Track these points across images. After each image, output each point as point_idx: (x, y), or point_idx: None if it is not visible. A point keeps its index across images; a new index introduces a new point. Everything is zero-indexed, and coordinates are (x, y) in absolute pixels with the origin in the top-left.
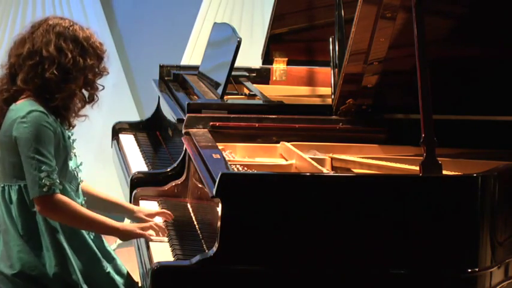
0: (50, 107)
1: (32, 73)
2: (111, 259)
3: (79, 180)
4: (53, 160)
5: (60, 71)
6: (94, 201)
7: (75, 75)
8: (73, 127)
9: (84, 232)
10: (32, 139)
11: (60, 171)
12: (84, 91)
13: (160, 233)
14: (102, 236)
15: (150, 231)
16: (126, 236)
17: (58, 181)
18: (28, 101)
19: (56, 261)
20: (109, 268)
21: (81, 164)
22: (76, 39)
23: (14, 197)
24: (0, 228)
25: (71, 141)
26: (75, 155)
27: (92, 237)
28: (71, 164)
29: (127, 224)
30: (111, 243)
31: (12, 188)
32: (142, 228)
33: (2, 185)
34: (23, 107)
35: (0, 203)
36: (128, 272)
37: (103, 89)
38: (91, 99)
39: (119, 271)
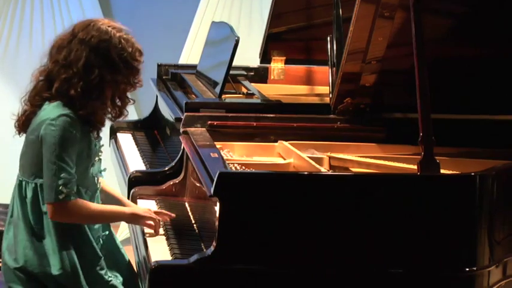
0: (81, 115)
1: (66, 86)
2: (118, 253)
3: (98, 185)
4: (73, 167)
5: (84, 88)
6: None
7: (99, 92)
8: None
9: (92, 239)
10: (57, 143)
11: (80, 177)
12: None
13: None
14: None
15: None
16: (133, 219)
17: (74, 190)
18: (61, 104)
19: (60, 265)
20: (113, 277)
21: (104, 169)
22: (107, 55)
23: (29, 194)
24: (13, 219)
25: (97, 148)
26: (99, 159)
27: (101, 241)
28: (92, 170)
29: (137, 208)
30: None
31: (28, 184)
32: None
33: (20, 179)
34: (54, 110)
35: (16, 196)
36: (132, 266)
37: (133, 103)
38: (120, 113)
39: (123, 265)
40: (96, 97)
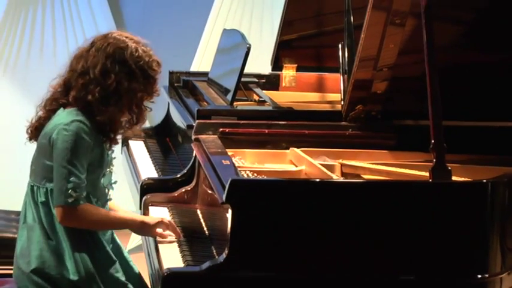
0: (95, 123)
1: (83, 92)
2: (127, 266)
3: (108, 197)
4: (84, 173)
5: (102, 93)
6: None
7: (117, 99)
8: (115, 144)
9: (105, 242)
10: (68, 148)
11: (90, 186)
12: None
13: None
14: (119, 241)
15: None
16: (143, 228)
17: (84, 194)
18: (75, 110)
19: (76, 269)
20: (130, 275)
21: (115, 182)
22: (124, 61)
23: (41, 199)
24: (27, 224)
25: (109, 158)
26: (110, 172)
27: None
28: (103, 181)
29: (148, 217)
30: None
31: (40, 189)
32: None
33: (32, 184)
34: (68, 115)
35: (29, 201)
36: (139, 273)
37: (150, 110)
38: (137, 121)
39: (133, 277)
40: (113, 103)
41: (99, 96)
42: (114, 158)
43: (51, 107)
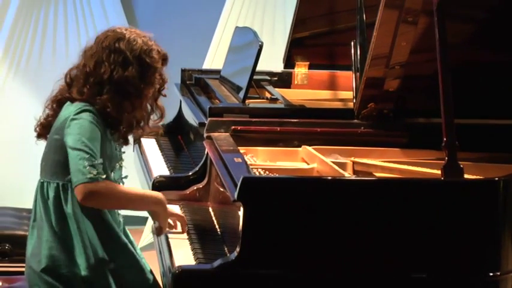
0: (103, 116)
1: (81, 85)
2: (139, 261)
3: None
4: (99, 156)
5: (95, 83)
6: None
7: (110, 87)
8: (125, 143)
9: (120, 233)
10: (81, 133)
11: None
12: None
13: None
14: (132, 237)
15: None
16: (158, 209)
17: (102, 172)
18: (83, 103)
19: (86, 265)
20: (143, 270)
21: (125, 176)
22: (119, 50)
23: (51, 195)
24: (37, 223)
25: (118, 152)
26: (120, 166)
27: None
28: (113, 176)
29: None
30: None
31: (50, 185)
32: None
33: (42, 181)
34: (76, 106)
35: (38, 198)
36: (150, 270)
37: (158, 118)
38: (143, 117)
39: (145, 273)
40: (107, 92)
41: (93, 86)
42: (124, 152)
43: (57, 103)
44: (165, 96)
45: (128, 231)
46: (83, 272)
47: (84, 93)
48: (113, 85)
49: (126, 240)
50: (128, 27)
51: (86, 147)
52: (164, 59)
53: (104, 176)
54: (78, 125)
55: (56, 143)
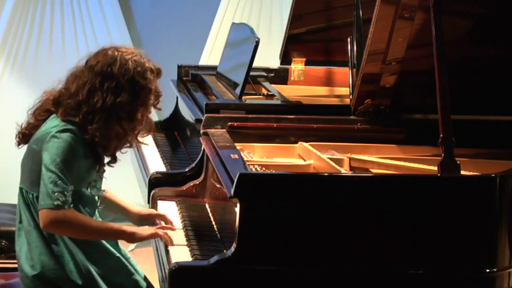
0: (91, 144)
1: (72, 113)
2: (129, 264)
3: (97, 204)
4: (71, 182)
5: (88, 113)
6: (110, 207)
7: (102, 116)
8: (113, 161)
9: (104, 241)
10: (58, 154)
11: (78, 193)
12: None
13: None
14: (119, 242)
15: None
16: (134, 238)
17: (70, 200)
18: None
19: (76, 270)
20: (130, 273)
21: (104, 190)
22: (111, 76)
23: (32, 202)
24: (24, 227)
25: (95, 177)
26: (101, 178)
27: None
28: (91, 190)
29: (139, 228)
30: (128, 244)
31: (29, 194)
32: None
33: (21, 186)
34: (60, 123)
35: (21, 204)
36: (145, 277)
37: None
38: (132, 132)
39: (136, 276)
40: (99, 120)
41: (86, 116)
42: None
43: (41, 116)
44: (159, 109)
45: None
46: (74, 279)
47: (73, 122)
48: (104, 112)
49: (107, 245)
50: (117, 46)
51: (60, 171)
52: (158, 73)
53: (71, 205)
54: (57, 144)
55: (33, 152)
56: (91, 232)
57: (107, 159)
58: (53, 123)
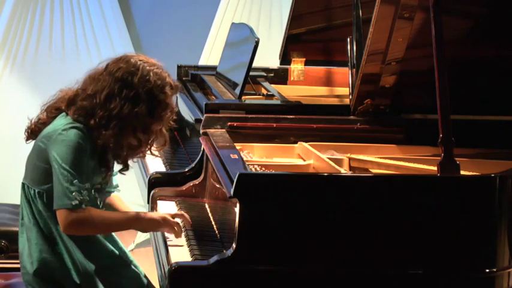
0: (98, 144)
1: (85, 115)
2: (128, 262)
3: (99, 205)
4: (84, 179)
5: (104, 117)
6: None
7: (117, 123)
8: (125, 169)
9: (100, 238)
10: (69, 153)
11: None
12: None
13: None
14: (119, 239)
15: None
16: (151, 226)
17: (87, 199)
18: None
19: (75, 268)
20: (130, 271)
21: (116, 186)
22: (131, 85)
23: (33, 199)
24: (25, 224)
25: (101, 179)
26: (106, 183)
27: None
28: (94, 193)
29: (155, 214)
30: (128, 244)
31: (30, 189)
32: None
33: (23, 182)
34: (68, 121)
35: (22, 198)
36: (144, 275)
37: (164, 145)
38: (144, 146)
39: (136, 274)
40: (114, 127)
41: (101, 121)
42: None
43: (53, 114)
44: (173, 125)
45: (114, 234)
46: (74, 277)
47: (88, 124)
48: (120, 120)
49: (106, 243)
50: (140, 55)
51: (73, 168)
52: (176, 90)
53: (88, 200)
54: (65, 142)
55: (39, 149)
56: (110, 226)
57: (117, 167)
58: (61, 121)
